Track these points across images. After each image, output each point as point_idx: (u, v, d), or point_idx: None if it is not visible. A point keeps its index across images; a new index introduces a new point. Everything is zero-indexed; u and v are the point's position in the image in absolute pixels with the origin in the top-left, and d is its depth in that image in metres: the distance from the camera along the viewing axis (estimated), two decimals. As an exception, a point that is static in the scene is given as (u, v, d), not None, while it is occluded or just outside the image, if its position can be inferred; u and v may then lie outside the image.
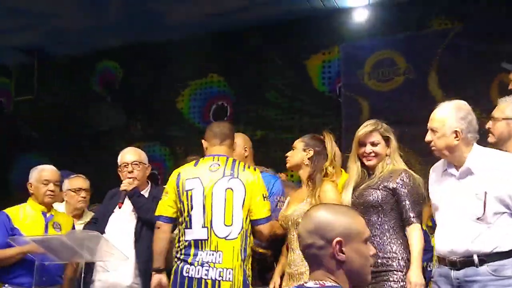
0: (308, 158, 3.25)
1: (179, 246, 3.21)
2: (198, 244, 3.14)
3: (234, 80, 7.09)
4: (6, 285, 3.72)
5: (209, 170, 3.24)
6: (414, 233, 2.95)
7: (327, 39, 6.56)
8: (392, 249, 2.96)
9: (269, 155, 6.59)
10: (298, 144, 3.32)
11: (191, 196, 3.20)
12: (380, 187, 3.02)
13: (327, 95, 6.60)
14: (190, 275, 3.10)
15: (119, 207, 3.66)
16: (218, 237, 3.13)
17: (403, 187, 2.98)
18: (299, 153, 3.29)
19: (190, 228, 3.18)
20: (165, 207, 3.28)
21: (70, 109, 7.82)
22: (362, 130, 3.14)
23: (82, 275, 3.45)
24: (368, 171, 3.15)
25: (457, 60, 5.68)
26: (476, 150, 2.87)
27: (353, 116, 5.87)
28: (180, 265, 3.15)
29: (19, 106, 8.16)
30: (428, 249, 4.42)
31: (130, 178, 3.72)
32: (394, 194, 3.00)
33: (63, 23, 6.90)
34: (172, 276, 3.19)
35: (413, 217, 2.96)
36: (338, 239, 1.68)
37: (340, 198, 3.11)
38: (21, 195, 4.86)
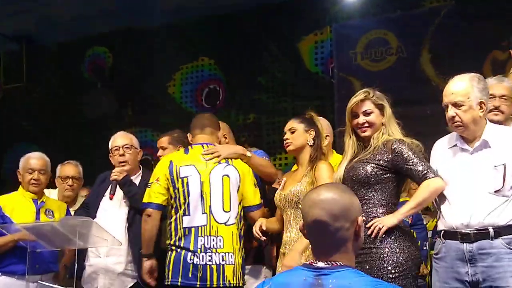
0: (312, 139, 3.18)
1: (176, 234, 3.20)
2: (198, 230, 3.18)
3: (225, 63, 7.04)
4: (-1, 273, 3.70)
5: (202, 157, 3.31)
6: (429, 182, 2.77)
7: (318, 20, 6.50)
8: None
9: (262, 139, 6.57)
10: (298, 126, 3.21)
11: (187, 183, 3.24)
12: (372, 161, 2.89)
13: (320, 76, 6.57)
14: (195, 262, 3.14)
15: (110, 199, 3.63)
16: (218, 222, 3.20)
17: (400, 155, 2.83)
18: (301, 135, 3.19)
19: (189, 215, 3.21)
20: (156, 194, 3.26)
21: (60, 96, 7.76)
22: (353, 100, 3.01)
23: (76, 262, 3.43)
24: (364, 143, 3.01)
25: (449, 38, 5.65)
26: (490, 123, 2.85)
27: (346, 96, 5.71)
28: (182, 253, 3.16)
29: (9, 94, 8.07)
30: (421, 227, 4.41)
31: (121, 162, 3.68)
32: (391, 167, 2.86)
33: (51, 10, 6.81)
34: (171, 265, 3.18)
35: (425, 173, 2.80)
36: (361, 218, 1.73)
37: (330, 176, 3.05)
38: (14, 185, 4.83)
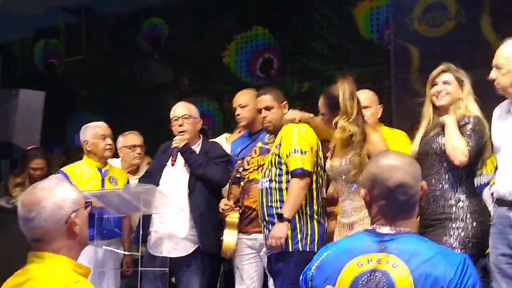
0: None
1: (318, 203, 3.34)
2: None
3: (279, 32, 7.01)
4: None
5: None
6: None
7: (374, -15, 6.38)
8: (453, 196, 2.88)
9: (317, 106, 6.54)
10: (323, 110, 3.28)
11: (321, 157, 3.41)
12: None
13: (375, 43, 6.47)
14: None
15: (172, 165, 3.73)
16: None
17: (465, 127, 2.88)
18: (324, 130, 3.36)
19: (322, 187, 3.40)
20: (312, 164, 3.31)
21: (118, 67, 7.92)
22: (435, 70, 3.09)
23: (141, 228, 3.58)
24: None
25: (512, 0, 5.44)
26: None
27: (403, 63, 5.72)
28: (325, 225, 3.36)
29: (70, 66, 8.31)
30: None
31: (180, 132, 3.77)
32: None
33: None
34: (316, 234, 3.27)
35: None
36: (424, 182, 1.78)
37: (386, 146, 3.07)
38: (76, 153, 5.02)
